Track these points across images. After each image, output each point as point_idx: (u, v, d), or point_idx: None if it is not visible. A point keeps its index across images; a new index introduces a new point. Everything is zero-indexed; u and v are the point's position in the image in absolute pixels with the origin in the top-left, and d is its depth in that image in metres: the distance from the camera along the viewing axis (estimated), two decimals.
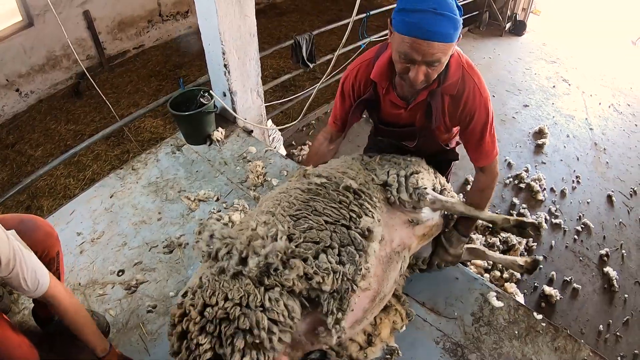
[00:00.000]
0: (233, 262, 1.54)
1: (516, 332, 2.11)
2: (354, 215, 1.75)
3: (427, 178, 2.08)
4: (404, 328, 2.09)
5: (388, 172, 2.02)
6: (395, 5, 1.62)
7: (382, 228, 1.82)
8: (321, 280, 1.53)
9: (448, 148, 2.28)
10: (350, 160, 2.12)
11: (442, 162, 2.33)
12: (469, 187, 4.34)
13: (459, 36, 1.60)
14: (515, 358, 2.01)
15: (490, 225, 3.67)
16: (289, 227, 1.65)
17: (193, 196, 2.79)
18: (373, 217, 1.80)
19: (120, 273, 2.38)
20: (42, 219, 1.90)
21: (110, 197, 2.82)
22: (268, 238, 1.56)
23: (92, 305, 2.24)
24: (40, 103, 5.95)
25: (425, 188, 1.98)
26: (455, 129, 2.11)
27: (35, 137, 5.34)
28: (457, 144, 2.32)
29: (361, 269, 1.67)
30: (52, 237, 1.90)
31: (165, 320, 2.15)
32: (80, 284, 2.36)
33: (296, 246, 1.59)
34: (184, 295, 1.57)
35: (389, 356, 1.97)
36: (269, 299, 1.46)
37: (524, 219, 2.13)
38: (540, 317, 2.17)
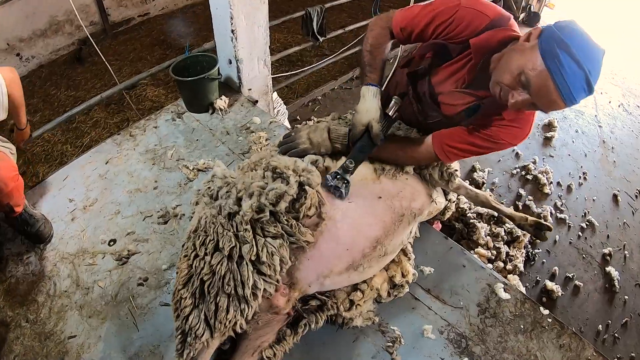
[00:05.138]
0: (230, 201, 1.54)
1: (522, 327, 2.03)
2: None
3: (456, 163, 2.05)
4: (406, 288, 2.01)
5: None
6: None
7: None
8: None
9: None
10: None
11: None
12: (475, 174, 4.29)
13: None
14: (520, 353, 1.93)
15: (496, 215, 3.60)
16: None
17: (192, 165, 2.67)
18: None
19: (112, 243, 2.28)
20: (6, 170, 1.93)
21: (106, 164, 2.71)
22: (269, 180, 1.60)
23: (80, 275, 2.15)
24: (41, 68, 5.78)
25: (457, 170, 1.97)
26: None
27: (34, 102, 5.19)
28: None
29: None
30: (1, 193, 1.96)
31: (156, 294, 2.06)
32: (69, 252, 2.26)
33: None
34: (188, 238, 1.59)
35: (390, 344, 1.90)
36: (267, 253, 1.45)
37: (541, 220, 2.07)
38: (546, 312, 2.09)
